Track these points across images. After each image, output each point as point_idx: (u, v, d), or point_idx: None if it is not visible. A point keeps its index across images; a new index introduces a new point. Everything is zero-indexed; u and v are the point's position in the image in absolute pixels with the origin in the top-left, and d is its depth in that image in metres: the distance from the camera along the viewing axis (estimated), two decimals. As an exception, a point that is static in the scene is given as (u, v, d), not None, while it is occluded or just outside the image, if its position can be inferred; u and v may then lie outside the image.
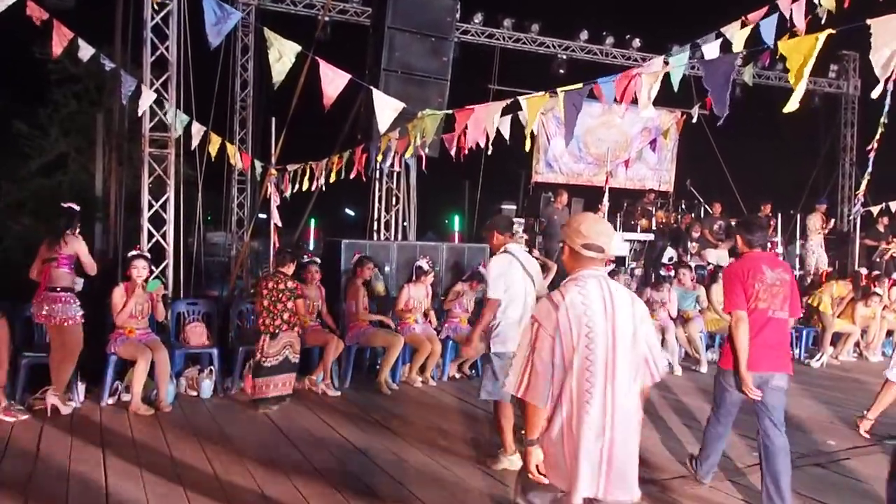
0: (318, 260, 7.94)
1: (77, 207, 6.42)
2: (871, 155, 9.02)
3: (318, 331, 7.40)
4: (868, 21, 3.69)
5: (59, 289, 6.14)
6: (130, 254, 6.99)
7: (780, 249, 13.74)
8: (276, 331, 6.58)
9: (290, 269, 6.86)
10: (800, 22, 5.99)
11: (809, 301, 10.32)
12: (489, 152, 6.56)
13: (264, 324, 6.61)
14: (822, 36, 3.84)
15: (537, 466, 2.69)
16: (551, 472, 2.74)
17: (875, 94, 3.97)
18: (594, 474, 2.65)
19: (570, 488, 2.67)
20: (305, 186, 9.48)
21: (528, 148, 6.32)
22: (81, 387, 6.53)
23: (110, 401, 6.50)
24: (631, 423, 2.73)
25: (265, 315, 6.62)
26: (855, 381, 8.69)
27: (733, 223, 13.47)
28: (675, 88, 5.35)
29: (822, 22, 5.92)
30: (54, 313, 6.10)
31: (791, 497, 4.27)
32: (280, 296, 6.63)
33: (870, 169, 9.79)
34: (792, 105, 3.96)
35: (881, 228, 13.13)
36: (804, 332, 10.22)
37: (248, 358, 7.30)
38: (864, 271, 10.82)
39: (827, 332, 9.86)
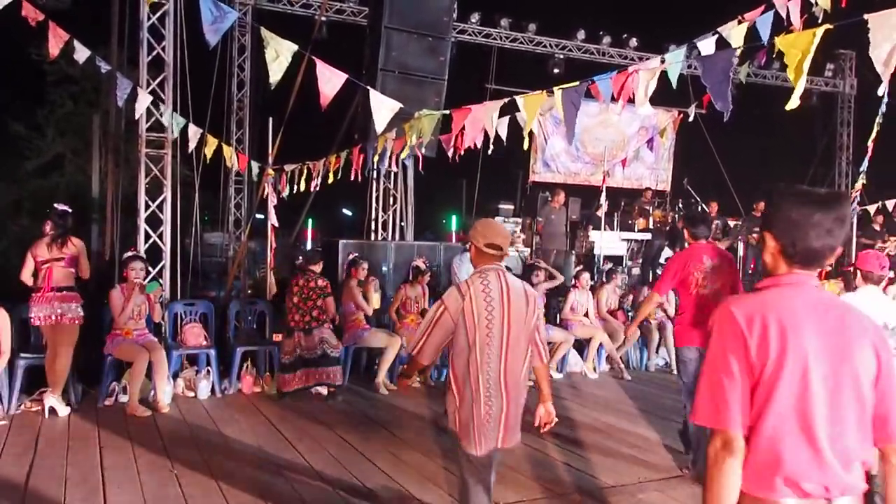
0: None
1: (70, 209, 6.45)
2: (868, 154, 9.01)
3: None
4: (866, 16, 3.69)
5: (65, 288, 6.17)
6: (126, 255, 6.99)
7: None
8: (307, 326, 6.83)
9: (318, 268, 7.07)
10: (796, 19, 5.99)
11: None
12: (490, 152, 6.58)
13: (293, 319, 6.83)
14: (820, 31, 3.85)
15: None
16: (465, 431, 3.29)
17: (881, 91, 3.97)
18: (496, 429, 3.28)
19: (478, 442, 3.27)
20: (303, 187, 9.47)
21: (525, 147, 6.34)
22: (78, 388, 6.52)
23: (107, 402, 6.50)
24: (521, 388, 3.35)
25: (294, 311, 6.84)
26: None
27: (731, 223, 13.50)
28: (674, 85, 5.36)
29: (819, 20, 5.92)
30: (64, 312, 6.12)
31: None
32: (310, 293, 6.88)
33: (865, 168, 9.78)
34: (793, 102, 3.96)
35: (877, 227, 13.13)
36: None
37: (246, 359, 7.32)
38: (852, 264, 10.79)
39: None
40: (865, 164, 9.25)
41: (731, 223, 13.95)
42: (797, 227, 1.90)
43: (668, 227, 13.40)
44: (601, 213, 12.05)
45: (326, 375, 6.93)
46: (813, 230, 1.89)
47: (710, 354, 1.91)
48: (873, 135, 8.48)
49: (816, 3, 5.90)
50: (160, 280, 7.94)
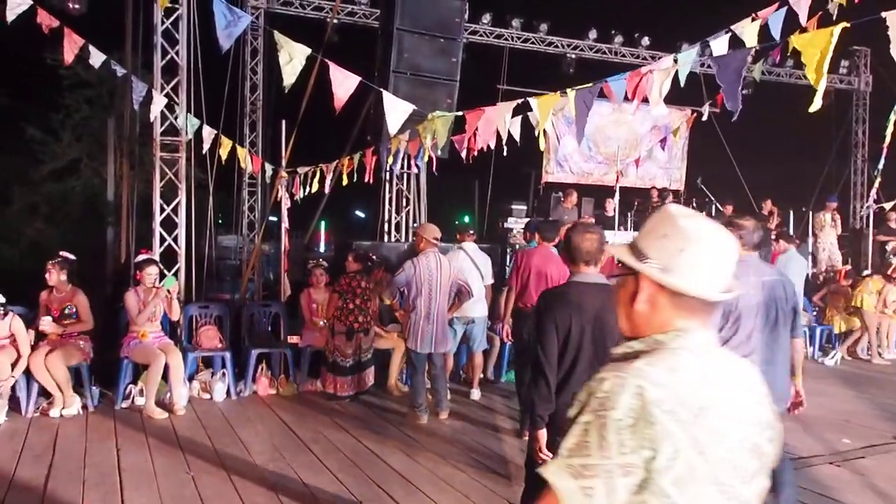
0: (326, 263, 7.96)
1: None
2: (885, 152, 8.93)
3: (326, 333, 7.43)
4: (884, 14, 3.65)
5: None
6: (140, 258, 7.04)
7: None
8: (350, 328, 6.93)
9: (359, 267, 7.23)
10: (803, 18, 5.95)
11: (821, 300, 10.29)
12: (504, 153, 6.59)
13: (339, 319, 6.93)
14: (837, 30, 3.81)
15: None
16: (412, 338, 6.20)
17: None
18: (431, 340, 6.19)
19: (418, 344, 6.17)
20: (316, 189, 9.49)
21: (542, 147, 6.35)
22: (96, 390, 6.57)
23: (124, 404, 6.54)
24: (445, 315, 6.32)
25: (337, 313, 6.95)
26: (869, 379, 8.63)
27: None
28: (682, 83, 5.33)
29: (834, 17, 5.88)
30: None
31: None
32: (353, 296, 7.00)
33: (881, 166, 9.71)
34: (816, 104, 3.89)
35: (893, 225, 13.01)
36: (817, 330, 10.15)
37: (261, 361, 7.35)
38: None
39: (871, 330, 9.82)
40: (882, 163, 9.17)
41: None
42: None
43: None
44: (611, 213, 11.96)
45: (367, 379, 7.16)
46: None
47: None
48: (889, 133, 8.40)
49: (832, 0, 5.86)
50: (175, 280, 7.98)
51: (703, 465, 1.36)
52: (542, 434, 3.21)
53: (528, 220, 9.73)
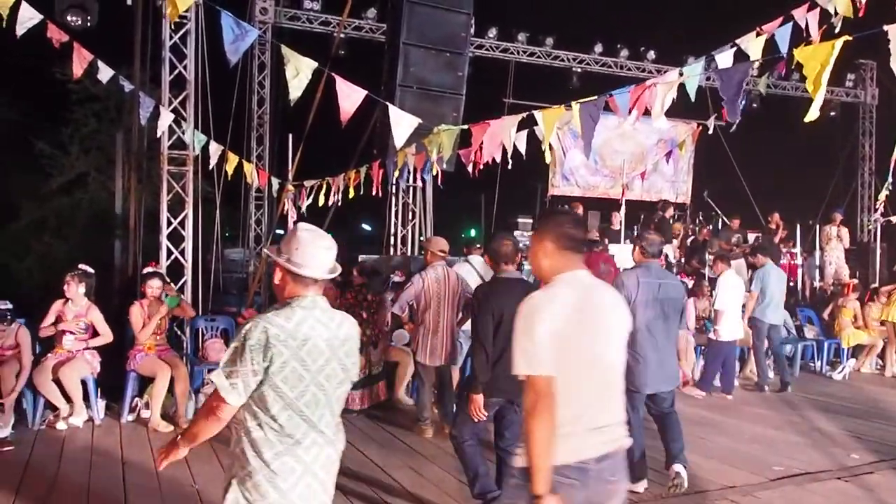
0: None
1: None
2: (893, 166, 8.91)
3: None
4: (885, 28, 3.66)
5: None
6: (145, 271, 7.07)
7: (798, 260, 13.58)
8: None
9: (363, 281, 7.30)
10: (814, 31, 5.97)
11: (833, 312, 10.24)
12: (510, 166, 6.60)
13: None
14: (839, 43, 3.82)
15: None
16: (421, 351, 6.10)
17: None
18: (440, 353, 6.05)
19: (428, 360, 6.09)
20: (322, 202, 9.52)
21: (547, 161, 6.37)
22: (101, 403, 6.58)
23: (130, 417, 6.54)
24: (454, 328, 6.13)
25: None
26: (878, 394, 8.57)
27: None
28: (693, 98, 5.35)
29: (837, 31, 5.89)
30: None
31: None
32: (360, 309, 7.02)
33: (890, 179, 9.68)
34: (812, 114, 3.93)
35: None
36: (825, 344, 10.09)
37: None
38: None
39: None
40: (890, 178, 9.14)
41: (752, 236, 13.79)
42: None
43: (689, 241, 13.31)
44: (617, 226, 11.94)
45: (380, 393, 7.19)
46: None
47: None
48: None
49: (835, 14, 5.88)
50: (182, 296, 7.99)
51: (306, 373, 2.45)
52: (480, 397, 4.16)
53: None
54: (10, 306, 6.19)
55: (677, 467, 4.88)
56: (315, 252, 2.55)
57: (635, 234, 13.23)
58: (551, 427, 2.29)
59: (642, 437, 4.81)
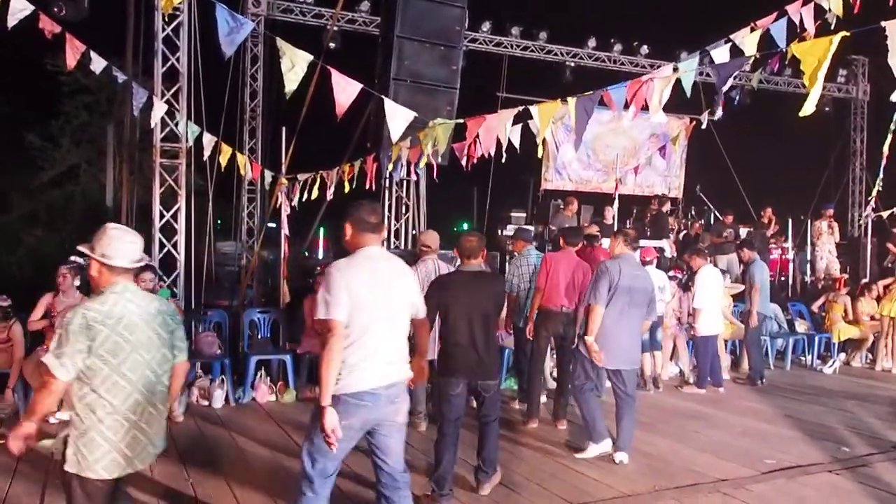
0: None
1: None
2: (884, 161, 8.95)
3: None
4: (883, 23, 3.67)
5: None
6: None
7: (790, 255, 13.65)
8: None
9: None
10: (810, 26, 5.98)
11: (826, 308, 10.30)
12: (503, 160, 6.60)
13: None
14: (837, 38, 3.83)
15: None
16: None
17: (895, 97, 3.95)
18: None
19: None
20: (315, 195, 9.50)
21: (540, 155, 6.37)
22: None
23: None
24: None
25: None
26: (868, 388, 8.62)
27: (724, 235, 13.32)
28: (688, 94, 5.36)
29: (832, 27, 5.91)
30: None
31: None
32: None
33: (881, 175, 9.73)
34: (808, 109, 3.94)
35: (898, 233, 12.98)
36: (816, 339, 10.15)
37: (260, 368, 7.33)
38: None
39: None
40: (881, 173, 9.19)
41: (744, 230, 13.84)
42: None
43: (681, 235, 13.35)
44: (610, 220, 11.94)
45: None
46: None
47: None
48: (888, 142, 8.41)
49: (829, 10, 5.89)
50: (174, 289, 7.98)
51: (127, 345, 2.99)
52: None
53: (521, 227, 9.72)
54: (9, 302, 6.15)
55: (621, 455, 5.32)
56: (122, 246, 3.07)
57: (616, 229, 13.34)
58: (338, 357, 3.14)
59: (594, 404, 5.59)
